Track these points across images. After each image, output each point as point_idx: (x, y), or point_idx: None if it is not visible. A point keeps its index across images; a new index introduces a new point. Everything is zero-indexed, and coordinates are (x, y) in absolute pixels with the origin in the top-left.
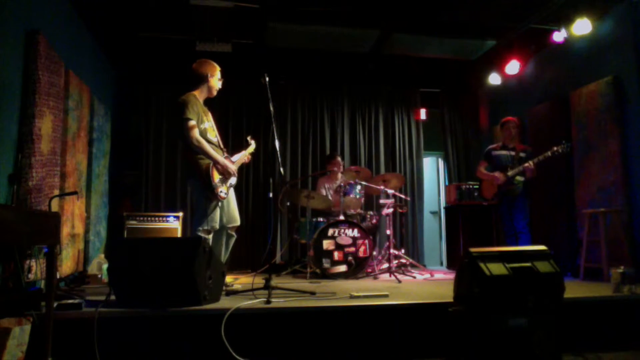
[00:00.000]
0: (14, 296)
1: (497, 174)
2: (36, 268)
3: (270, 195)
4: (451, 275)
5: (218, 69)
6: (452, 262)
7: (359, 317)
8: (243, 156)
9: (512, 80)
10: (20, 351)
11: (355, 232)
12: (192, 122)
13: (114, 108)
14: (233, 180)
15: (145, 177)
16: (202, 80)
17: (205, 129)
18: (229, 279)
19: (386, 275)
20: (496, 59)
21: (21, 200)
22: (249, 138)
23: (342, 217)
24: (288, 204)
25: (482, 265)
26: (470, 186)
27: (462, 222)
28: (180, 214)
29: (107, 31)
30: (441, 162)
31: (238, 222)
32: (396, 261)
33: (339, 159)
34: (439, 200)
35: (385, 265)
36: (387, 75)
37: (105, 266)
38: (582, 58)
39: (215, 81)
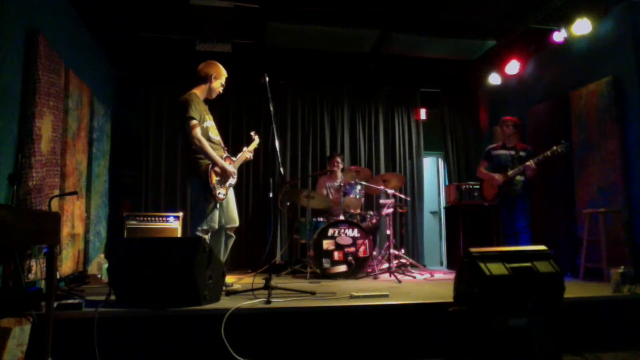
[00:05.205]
0: (14, 296)
1: (496, 175)
2: (36, 268)
3: (270, 195)
4: (451, 275)
5: (225, 74)
6: (452, 262)
7: (359, 317)
8: (244, 154)
9: (512, 80)
10: (20, 351)
11: (355, 232)
12: (195, 121)
13: (114, 108)
14: (233, 180)
15: (145, 177)
16: (205, 80)
17: (207, 127)
18: (229, 279)
19: (386, 275)
20: (496, 59)
21: (21, 200)
22: (252, 133)
23: (342, 217)
24: (288, 204)
25: (482, 265)
26: (470, 186)
27: (462, 222)
28: (180, 214)
29: (107, 31)
30: (441, 162)
31: (237, 223)
32: (396, 261)
33: (339, 158)
34: (439, 200)
35: (385, 265)
36: (387, 75)
37: (105, 266)
38: (582, 58)
39: (218, 84)
